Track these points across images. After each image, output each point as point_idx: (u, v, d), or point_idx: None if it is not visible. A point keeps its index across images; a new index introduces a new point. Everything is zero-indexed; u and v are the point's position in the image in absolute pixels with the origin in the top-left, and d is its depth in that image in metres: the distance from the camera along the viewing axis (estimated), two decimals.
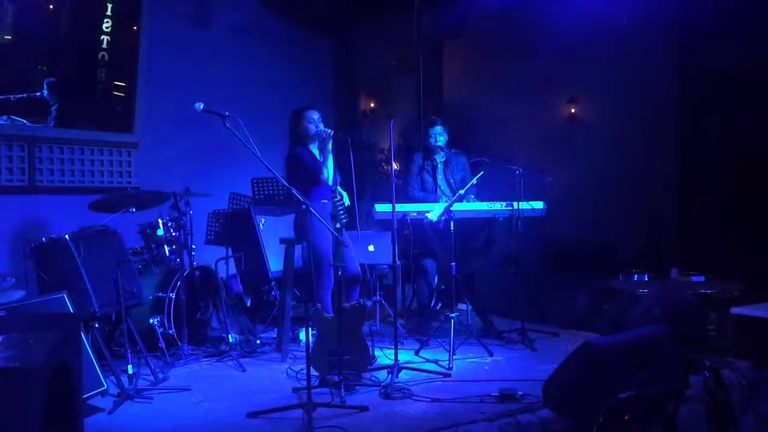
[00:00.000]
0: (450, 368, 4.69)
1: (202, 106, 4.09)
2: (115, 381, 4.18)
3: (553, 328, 5.75)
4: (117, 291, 4.32)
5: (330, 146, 4.85)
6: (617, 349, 3.43)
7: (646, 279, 5.62)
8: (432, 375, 4.59)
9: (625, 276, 5.70)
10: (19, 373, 1.49)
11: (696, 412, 3.68)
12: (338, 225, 4.23)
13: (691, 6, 6.00)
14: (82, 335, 3.94)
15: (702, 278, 5.51)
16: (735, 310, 4.87)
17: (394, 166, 7.45)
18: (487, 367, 4.81)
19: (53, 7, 5.83)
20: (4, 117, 5.51)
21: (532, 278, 5.92)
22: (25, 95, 5.67)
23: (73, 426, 2.03)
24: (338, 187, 4.74)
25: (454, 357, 4.82)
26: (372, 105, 8.27)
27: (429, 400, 4.08)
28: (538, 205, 5.41)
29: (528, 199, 5.34)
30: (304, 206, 4.08)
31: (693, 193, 6.26)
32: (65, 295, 3.98)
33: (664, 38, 6.40)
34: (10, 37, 5.51)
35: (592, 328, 5.54)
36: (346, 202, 4.79)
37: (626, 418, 3.22)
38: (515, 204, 5.26)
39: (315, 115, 4.99)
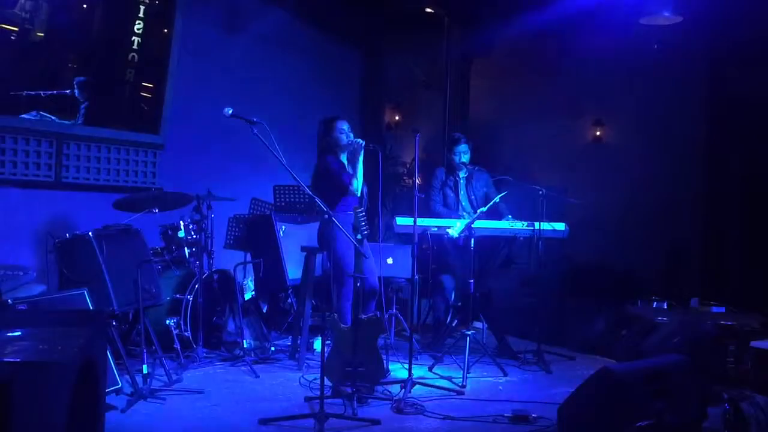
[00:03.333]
0: (463, 386, 4.66)
1: (231, 111, 4.12)
2: (129, 380, 4.19)
3: (570, 352, 5.70)
4: (136, 290, 4.34)
5: (361, 157, 4.86)
6: (636, 377, 3.39)
7: (665, 307, 5.56)
8: (445, 392, 4.56)
9: (644, 302, 5.64)
10: (48, 367, 1.50)
11: None
12: (359, 236, 4.23)
13: (722, 34, 5.98)
14: None
15: (722, 309, 5.43)
16: (755, 343, 4.79)
17: (417, 180, 7.48)
18: (501, 387, 4.77)
19: (86, 6, 5.91)
20: (34, 112, 5.57)
21: (550, 300, 5.88)
22: (55, 92, 5.73)
23: (95, 423, 2.04)
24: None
25: (468, 375, 4.79)
26: (396, 118, 8.29)
27: (441, 417, 4.06)
28: (560, 226, 5.39)
29: (550, 220, 5.32)
30: (326, 215, 4.09)
31: (717, 222, 6.21)
32: (85, 292, 4.00)
33: (694, 65, 6.38)
34: (42, 35, 5.58)
35: (609, 353, 5.47)
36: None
37: None
38: (537, 224, 5.23)
39: (345, 126, 5.00)
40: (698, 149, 6.41)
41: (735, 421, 3.20)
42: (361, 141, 4.86)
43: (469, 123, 7.64)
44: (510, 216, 5.41)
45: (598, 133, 7.10)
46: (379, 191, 4.66)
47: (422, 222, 5.15)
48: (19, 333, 1.80)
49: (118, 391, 4.03)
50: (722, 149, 6.23)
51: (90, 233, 4.34)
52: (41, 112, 5.64)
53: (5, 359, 1.48)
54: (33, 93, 5.57)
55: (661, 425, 3.19)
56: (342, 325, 4.41)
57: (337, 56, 8.09)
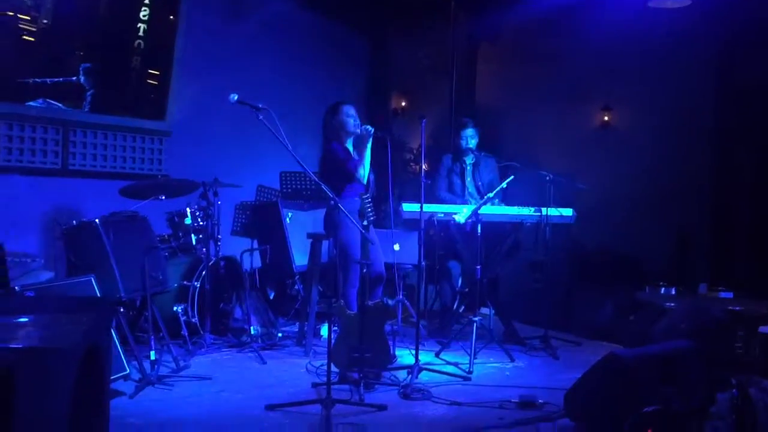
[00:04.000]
0: (470, 372, 4.66)
1: (236, 97, 4.11)
2: (137, 366, 4.21)
3: (577, 337, 5.69)
4: (143, 277, 4.35)
5: (369, 145, 4.84)
6: (643, 362, 3.38)
7: (674, 292, 5.54)
8: (452, 378, 4.56)
9: (652, 288, 5.62)
10: (50, 353, 1.50)
11: (720, 429, 3.60)
12: (365, 222, 4.22)
13: (732, 18, 5.91)
14: None
15: (730, 295, 5.41)
16: (763, 328, 4.78)
17: (424, 166, 7.45)
18: (507, 373, 4.77)
19: None
20: (41, 100, 5.58)
21: (557, 286, 5.87)
22: (61, 79, 5.73)
23: (100, 409, 2.05)
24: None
25: (474, 361, 4.78)
26: (403, 104, 8.25)
27: (448, 402, 4.06)
28: (567, 212, 5.36)
29: (557, 205, 5.29)
30: (332, 202, 4.08)
31: (725, 207, 6.16)
32: (92, 279, 4.02)
33: (704, 49, 6.31)
34: (47, 22, 5.58)
35: (616, 339, 5.46)
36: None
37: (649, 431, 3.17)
38: (544, 210, 5.21)
39: (352, 110, 4.97)
40: (707, 134, 6.35)
41: (742, 406, 3.18)
42: (370, 128, 4.84)
43: (476, 109, 7.60)
44: (497, 201, 5.36)
45: (606, 119, 7.04)
46: (389, 178, 4.64)
47: (429, 208, 5.13)
48: (26, 319, 1.80)
49: (126, 378, 4.05)
50: (732, 134, 6.18)
51: (97, 220, 4.34)
52: (48, 100, 5.65)
53: (8, 345, 1.49)
54: (39, 80, 5.58)
55: (668, 411, 3.17)
56: (348, 312, 4.42)
57: (343, 43, 8.05)
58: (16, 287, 3.69)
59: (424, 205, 4.71)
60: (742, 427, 3.10)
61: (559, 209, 5.30)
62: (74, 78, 5.82)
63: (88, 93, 5.91)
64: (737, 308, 5.09)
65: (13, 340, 1.54)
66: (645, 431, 3.14)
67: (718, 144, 6.29)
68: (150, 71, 6.33)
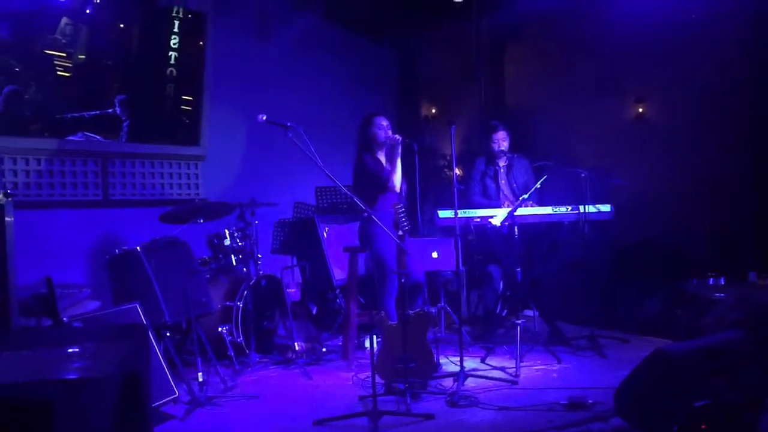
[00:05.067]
0: (517, 376, 4.61)
1: (265, 118, 4.17)
2: (186, 388, 4.27)
3: (624, 334, 5.59)
4: (186, 300, 4.42)
5: (399, 153, 4.85)
6: (692, 356, 3.30)
7: (723, 283, 5.40)
8: (498, 383, 4.52)
9: (699, 280, 5.50)
10: (89, 383, 1.54)
11: None
12: (400, 232, 4.22)
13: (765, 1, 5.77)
14: (154, 344, 4.05)
15: None
16: None
17: (457, 171, 7.43)
18: (555, 375, 4.71)
19: (124, 25, 6.05)
20: (80, 134, 5.74)
21: (600, 283, 5.78)
22: (98, 112, 5.89)
23: None
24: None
25: (521, 364, 4.74)
26: (433, 111, 8.26)
27: (496, 408, 4.02)
28: (606, 208, 5.28)
29: (594, 202, 5.22)
30: (366, 214, 4.10)
31: None
32: (138, 305, 4.10)
33: (737, 30, 6.16)
34: (84, 57, 5.74)
35: (664, 333, 5.35)
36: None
37: (703, 427, 3.09)
38: (581, 207, 5.14)
39: (384, 122, 4.98)
40: (745, 120, 6.19)
41: None
42: (398, 137, 4.85)
43: (506, 110, 7.56)
44: (531, 203, 5.30)
45: (640, 110, 6.93)
46: (416, 185, 4.65)
47: (464, 213, 5.12)
48: (65, 351, 1.85)
49: (175, 401, 4.10)
50: None
51: (138, 248, 4.44)
52: (86, 133, 5.80)
53: (46, 377, 1.53)
54: (77, 115, 5.74)
55: (720, 404, 3.09)
56: (389, 322, 4.42)
57: (370, 55, 8.10)
58: (65, 318, 3.79)
59: (460, 211, 4.68)
60: None
61: (596, 206, 5.23)
62: (110, 110, 5.97)
63: (125, 123, 6.06)
64: None
65: (51, 373, 1.59)
66: (698, 426, 3.06)
67: (759, 127, 6.13)
68: (183, 98, 6.47)
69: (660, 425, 3.07)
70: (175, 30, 6.34)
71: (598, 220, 5.26)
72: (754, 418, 3.28)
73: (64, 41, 5.60)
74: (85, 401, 1.49)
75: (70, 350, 1.91)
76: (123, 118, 6.06)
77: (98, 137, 5.86)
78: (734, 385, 3.29)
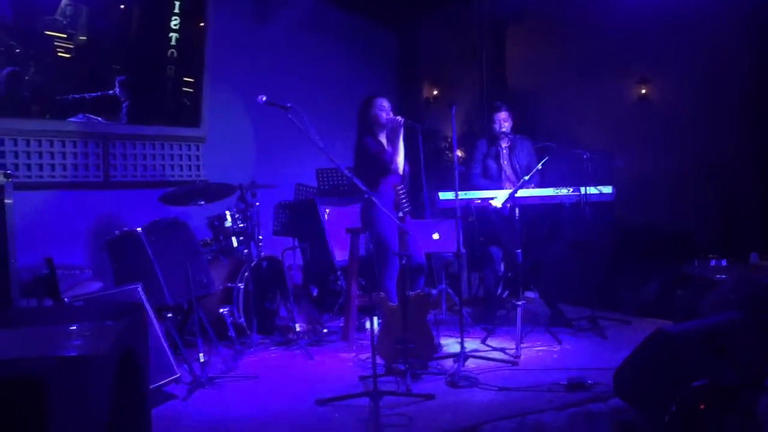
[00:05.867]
0: (518, 357, 4.62)
1: (264, 99, 4.16)
2: (188, 369, 4.29)
3: (625, 316, 5.59)
4: (187, 282, 4.43)
5: (401, 135, 4.83)
6: (691, 337, 3.31)
7: (724, 264, 5.39)
8: (499, 363, 4.53)
9: (701, 261, 5.49)
10: (86, 360, 1.54)
11: None
12: (401, 214, 4.22)
13: None
14: (156, 325, 4.07)
15: None
16: None
17: (459, 153, 7.41)
18: (555, 356, 4.72)
19: (124, 6, 6.02)
20: (81, 115, 5.73)
21: (602, 264, 5.77)
22: (98, 93, 5.88)
23: (141, 413, 2.09)
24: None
25: (521, 345, 4.75)
26: (435, 93, 8.22)
27: (496, 388, 4.04)
28: (607, 189, 5.26)
29: (596, 184, 5.20)
30: (366, 195, 4.09)
31: None
32: (139, 287, 4.10)
33: (740, 14, 6.10)
34: (85, 38, 5.72)
35: (665, 315, 5.34)
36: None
37: (701, 407, 3.10)
38: (583, 189, 5.13)
39: (385, 103, 4.95)
40: (748, 102, 6.14)
41: None
42: (400, 118, 4.83)
43: (508, 91, 7.52)
44: (533, 185, 5.29)
45: (643, 91, 6.87)
46: (421, 167, 4.64)
47: (465, 195, 5.10)
48: (59, 328, 1.86)
49: (177, 381, 4.12)
50: None
51: (139, 229, 4.44)
52: (87, 114, 5.79)
53: (41, 354, 1.53)
54: (78, 96, 5.73)
55: (719, 385, 3.10)
56: (390, 304, 4.43)
57: (371, 36, 8.05)
58: (66, 298, 3.80)
59: (461, 193, 4.67)
60: None
61: (598, 187, 5.21)
62: (111, 91, 5.96)
63: (125, 104, 6.05)
64: None
65: (45, 350, 1.59)
66: (696, 406, 3.07)
67: (762, 108, 6.08)
68: (184, 79, 6.45)
69: (658, 405, 3.08)
70: (176, 11, 6.31)
71: (599, 201, 5.25)
72: (753, 399, 3.29)
73: (64, 22, 5.58)
74: (79, 378, 1.50)
75: (65, 328, 1.92)
76: (123, 99, 6.05)
77: (99, 119, 5.86)
78: (733, 367, 3.29)
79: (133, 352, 1.88)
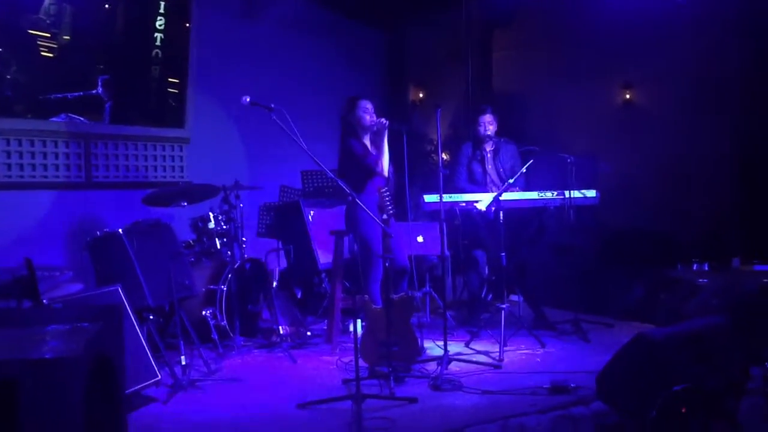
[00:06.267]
0: (501, 360, 4.63)
1: (249, 99, 4.13)
2: (169, 371, 4.25)
3: (608, 319, 5.62)
4: (169, 283, 4.39)
5: (385, 137, 4.83)
6: (673, 341, 3.31)
7: (707, 268, 5.42)
8: (483, 367, 4.53)
9: (684, 265, 5.51)
10: (59, 363, 1.52)
11: (759, 406, 3.53)
12: (385, 216, 4.20)
13: None
14: (136, 327, 4.03)
15: (765, 267, 5.28)
16: None
17: (444, 156, 7.41)
18: (539, 359, 4.72)
19: (109, 6, 5.97)
20: (63, 115, 5.67)
21: (585, 268, 5.79)
22: (81, 93, 5.82)
23: (116, 417, 2.06)
24: None
25: (505, 349, 4.75)
26: (421, 95, 8.22)
27: (479, 392, 4.03)
28: (591, 193, 5.29)
29: (581, 187, 5.22)
30: (350, 198, 4.08)
31: (755, 179, 5.99)
32: (119, 288, 4.06)
33: (725, 19, 6.14)
34: (68, 38, 5.66)
35: (648, 318, 5.38)
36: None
37: (683, 411, 3.10)
38: (567, 193, 5.14)
39: (368, 105, 4.95)
40: (731, 107, 6.18)
41: None
42: (384, 121, 4.82)
43: (493, 95, 7.52)
44: (517, 188, 5.30)
45: (628, 96, 6.90)
46: (405, 170, 4.63)
47: (450, 198, 5.11)
48: (33, 331, 1.82)
49: (157, 384, 4.08)
50: (759, 101, 6.00)
51: (120, 230, 4.40)
52: (69, 114, 5.73)
53: (12, 357, 1.50)
54: (60, 96, 5.66)
55: (701, 389, 3.11)
56: (373, 306, 4.41)
57: (358, 37, 8.03)
58: (45, 300, 3.75)
59: (446, 196, 4.66)
60: None
61: (582, 191, 5.23)
62: (94, 91, 5.91)
63: (107, 104, 5.99)
64: None
65: (17, 352, 1.56)
66: (678, 410, 3.08)
67: (745, 113, 6.12)
68: (169, 80, 6.40)
69: (640, 409, 3.08)
70: (161, 11, 6.27)
71: (583, 205, 5.27)
72: (734, 404, 3.30)
73: (48, 21, 5.52)
74: (51, 381, 1.47)
75: (39, 330, 1.89)
76: (106, 99, 5.99)
77: (82, 119, 5.80)
78: (714, 371, 3.30)
79: (107, 355, 1.85)
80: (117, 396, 2.06)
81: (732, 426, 3.17)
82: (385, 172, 4.86)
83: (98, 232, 4.55)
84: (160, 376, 4.08)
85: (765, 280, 4.95)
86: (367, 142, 4.99)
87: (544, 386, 4.01)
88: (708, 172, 6.24)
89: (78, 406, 1.54)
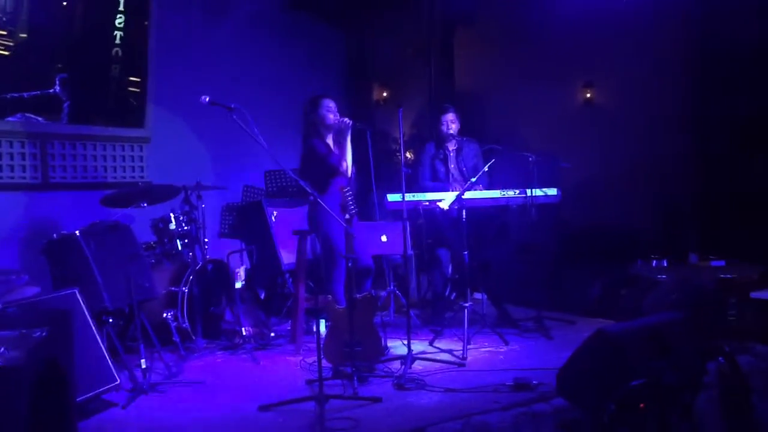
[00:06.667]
0: (464, 358, 4.64)
1: (208, 99, 4.09)
2: (129, 375, 4.19)
3: (570, 316, 5.67)
4: (128, 285, 4.32)
5: (348, 137, 4.81)
6: (630, 337, 3.36)
7: (665, 264, 5.51)
8: (446, 365, 4.54)
9: (643, 262, 5.60)
10: (1, 372, 1.48)
11: (715, 399, 3.59)
12: (347, 216, 4.19)
13: None
14: (94, 330, 3.96)
15: (722, 263, 5.39)
16: (755, 294, 4.77)
17: (408, 155, 7.42)
18: (502, 357, 4.75)
19: (67, 3, 5.86)
20: (19, 115, 5.55)
21: (547, 266, 5.84)
22: (38, 93, 5.70)
23: (66, 425, 2.01)
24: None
25: (468, 347, 4.77)
26: (384, 95, 8.21)
27: (442, 390, 4.04)
28: (552, 191, 5.34)
29: (542, 185, 5.27)
30: (312, 197, 4.06)
31: (712, 176, 6.11)
32: (76, 291, 3.98)
33: (681, 18, 6.24)
34: (25, 35, 5.54)
35: (610, 315, 5.44)
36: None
37: (641, 406, 3.15)
38: (529, 191, 5.19)
39: (332, 104, 4.94)
40: (688, 105, 6.29)
41: (731, 374, 3.17)
42: (348, 120, 4.81)
43: (456, 94, 7.55)
44: (480, 186, 5.34)
45: (588, 95, 6.99)
46: (371, 170, 4.63)
47: (413, 197, 5.11)
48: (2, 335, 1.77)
49: (117, 388, 4.02)
50: (713, 99, 6.10)
51: (77, 232, 4.32)
52: (26, 114, 5.61)
53: None
54: (17, 95, 5.54)
55: (659, 384, 3.15)
56: (337, 306, 4.40)
57: (321, 37, 7.99)
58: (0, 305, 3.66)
59: (409, 195, 4.67)
60: (731, 394, 3.08)
61: (544, 189, 5.28)
62: (51, 90, 5.79)
63: (65, 104, 5.88)
64: (729, 276, 5.07)
65: None
66: (636, 406, 3.12)
67: (701, 111, 6.24)
68: (130, 79, 6.30)
69: (598, 405, 3.12)
70: (120, 9, 6.17)
71: (545, 203, 5.31)
72: (691, 398, 3.36)
73: (4, 18, 5.40)
74: None
75: None
76: (64, 99, 5.88)
77: (39, 118, 5.68)
78: (672, 366, 3.36)
79: (56, 363, 1.81)
80: (67, 402, 2.01)
81: (689, 420, 3.22)
82: (349, 172, 4.86)
83: (54, 235, 4.46)
84: (119, 380, 4.01)
85: (721, 276, 5.06)
86: (329, 141, 4.98)
87: (507, 383, 4.03)
88: (666, 169, 6.33)
89: (21, 414, 1.50)
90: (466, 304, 4.94)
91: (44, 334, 1.80)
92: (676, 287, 4.56)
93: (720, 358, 3.15)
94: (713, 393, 3.54)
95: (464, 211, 4.97)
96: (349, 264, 4.27)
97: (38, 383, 1.64)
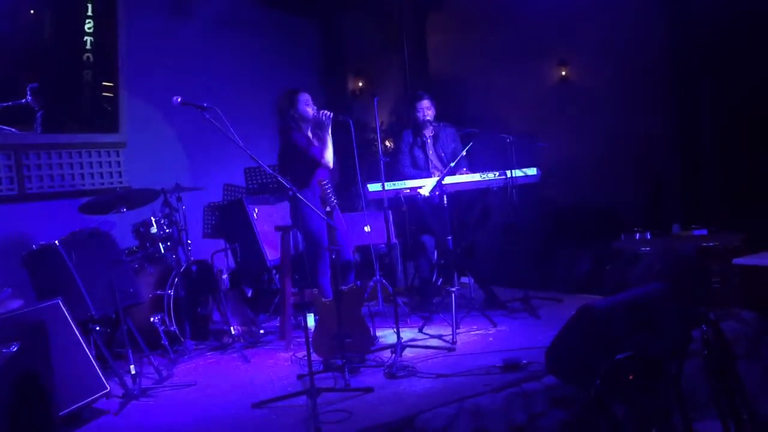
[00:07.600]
0: (454, 343, 4.66)
1: (180, 99, 4.05)
2: (119, 382, 4.17)
3: (558, 294, 5.69)
4: (112, 292, 4.29)
5: (329, 129, 4.80)
6: (615, 310, 3.36)
7: (649, 237, 5.54)
8: (436, 351, 4.55)
9: (627, 236, 5.63)
10: None
11: (700, 367, 3.62)
12: (328, 208, 4.18)
13: None
14: (81, 339, 3.93)
15: (704, 231, 5.43)
16: (737, 260, 4.81)
17: (387, 144, 7.40)
18: (491, 339, 4.77)
19: (34, 11, 5.78)
20: None
21: (532, 245, 5.87)
22: (10, 103, 5.64)
23: None
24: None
25: (457, 331, 4.78)
26: (360, 85, 8.18)
27: (434, 376, 4.05)
28: (532, 171, 5.34)
29: (522, 166, 5.27)
30: (291, 192, 4.05)
31: (691, 148, 6.15)
32: (60, 302, 3.95)
33: None
34: None
35: (596, 291, 5.48)
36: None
37: (630, 377, 3.16)
38: (508, 172, 5.19)
39: (308, 97, 4.92)
40: (666, 80, 6.30)
41: (714, 340, 3.19)
42: (329, 113, 4.80)
43: (431, 80, 7.53)
44: (465, 169, 5.35)
45: (563, 73, 6.99)
46: (356, 161, 4.62)
47: (393, 185, 5.10)
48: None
49: (108, 396, 4.00)
50: (690, 76, 6.13)
51: (57, 242, 4.28)
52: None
53: None
54: None
55: (644, 355, 3.17)
56: (323, 299, 4.39)
57: (293, 30, 7.93)
58: None
59: (389, 183, 4.65)
60: (715, 361, 3.10)
61: (523, 170, 5.28)
62: (23, 100, 5.73)
63: (38, 113, 5.82)
64: (711, 244, 5.12)
65: None
66: (624, 378, 3.13)
67: (679, 85, 6.25)
68: (103, 84, 6.23)
69: (587, 379, 3.13)
70: (89, 13, 6.09)
71: (525, 183, 5.32)
72: (678, 368, 3.38)
73: None
74: None
75: None
76: (37, 108, 5.82)
77: (12, 129, 5.61)
78: (657, 337, 3.37)
79: (32, 376, 1.79)
80: (47, 416, 1.99)
81: (676, 390, 3.24)
82: (330, 164, 4.84)
83: (34, 246, 4.42)
84: (109, 388, 4.00)
85: (703, 244, 5.10)
86: (309, 134, 4.96)
87: (497, 365, 4.05)
88: (646, 142, 6.36)
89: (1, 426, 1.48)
90: (453, 289, 4.95)
91: (14, 349, 1.77)
92: (659, 257, 4.58)
93: (704, 326, 3.17)
94: (698, 360, 3.56)
95: (445, 197, 4.96)
96: (333, 256, 4.26)
97: (15, 398, 1.62)
